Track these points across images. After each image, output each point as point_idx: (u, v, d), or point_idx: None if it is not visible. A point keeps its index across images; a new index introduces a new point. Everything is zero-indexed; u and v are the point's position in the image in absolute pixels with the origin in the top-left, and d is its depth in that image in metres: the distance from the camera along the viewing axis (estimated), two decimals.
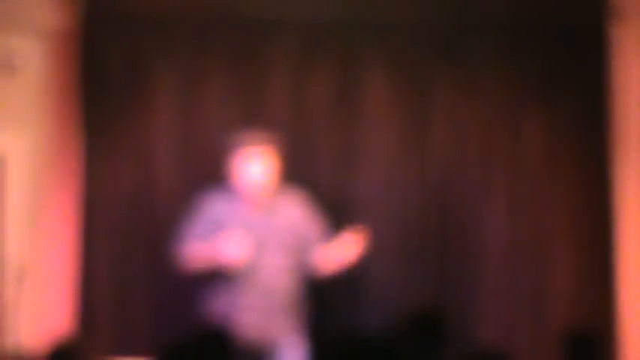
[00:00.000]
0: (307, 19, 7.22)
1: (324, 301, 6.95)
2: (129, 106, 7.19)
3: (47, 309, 7.02)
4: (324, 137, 7.25)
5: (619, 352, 7.13)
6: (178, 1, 7.16)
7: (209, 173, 7.00)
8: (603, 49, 7.30)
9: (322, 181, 7.15)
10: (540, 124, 7.33)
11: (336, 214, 7.00)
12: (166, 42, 7.18)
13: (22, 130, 7.19)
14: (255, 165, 6.39)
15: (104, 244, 7.13)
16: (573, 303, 7.22)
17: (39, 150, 7.15)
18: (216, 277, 6.40)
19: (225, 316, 6.25)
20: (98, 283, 7.10)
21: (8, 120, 7.19)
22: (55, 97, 7.17)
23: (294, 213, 6.46)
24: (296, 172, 6.96)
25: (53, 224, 7.12)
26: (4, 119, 7.19)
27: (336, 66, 7.24)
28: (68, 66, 7.12)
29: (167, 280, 6.98)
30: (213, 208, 6.42)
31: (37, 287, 7.00)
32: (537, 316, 7.21)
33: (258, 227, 6.33)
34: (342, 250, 6.39)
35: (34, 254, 7.08)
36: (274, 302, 6.34)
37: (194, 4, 7.16)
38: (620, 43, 7.30)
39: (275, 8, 7.19)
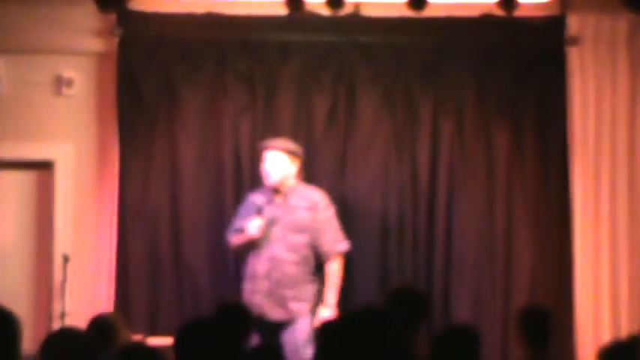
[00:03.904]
0: (309, 43, 7.73)
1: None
2: (158, 118, 7.66)
3: (89, 292, 7.57)
4: (325, 142, 7.72)
5: (573, 326, 7.62)
6: (202, 29, 7.64)
7: (227, 176, 7.62)
8: (562, 69, 7.71)
9: (322, 180, 7.59)
10: (508, 132, 7.72)
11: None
12: (191, 64, 7.68)
13: (69, 140, 7.75)
14: (265, 163, 7.12)
15: (137, 237, 7.60)
16: (536, 283, 7.64)
17: (83, 156, 7.73)
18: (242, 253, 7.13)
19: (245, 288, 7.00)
20: (132, 270, 7.58)
21: (57, 131, 7.75)
22: (96, 112, 7.74)
23: (301, 202, 7.08)
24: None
25: (94, 220, 7.69)
26: (54, 131, 7.75)
27: (335, 82, 7.73)
28: (107, 85, 7.65)
29: (191, 267, 7.56)
30: (249, 202, 7.16)
31: (81, 274, 7.56)
32: (505, 292, 7.63)
33: (275, 211, 7.01)
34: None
35: (78, 245, 7.65)
36: (284, 273, 6.96)
37: (215, 31, 7.66)
38: (577, 64, 7.75)
39: (282, 34, 7.70)
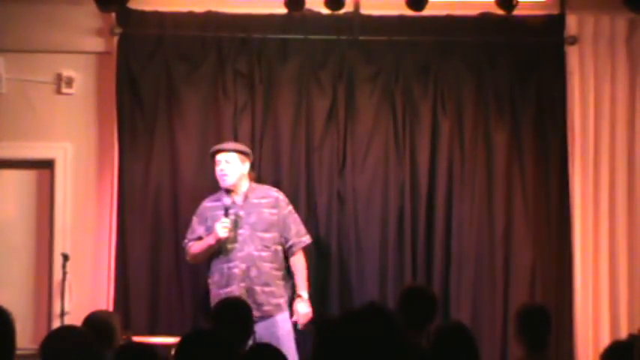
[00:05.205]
0: (309, 42, 7.72)
1: (324, 282, 7.58)
2: (158, 117, 7.66)
3: (88, 291, 7.62)
4: (324, 141, 7.72)
5: (573, 325, 7.63)
6: (202, 27, 7.68)
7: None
8: (561, 68, 7.74)
9: (321, 178, 7.67)
10: (508, 130, 7.74)
11: (334, 209, 7.65)
12: (191, 62, 7.69)
13: (68, 138, 7.78)
14: (220, 165, 7.09)
15: (137, 236, 7.61)
16: (535, 282, 7.66)
17: (82, 155, 7.76)
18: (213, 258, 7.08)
19: (219, 287, 7.00)
20: (132, 268, 7.59)
21: (57, 130, 7.79)
22: (96, 111, 7.78)
23: (262, 200, 7.10)
24: (299, 171, 7.64)
25: (94, 219, 7.73)
26: (54, 130, 7.79)
27: (334, 81, 7.73)
28: (107, 84, 7.68)
29: (190, 266, 7.45)
30: (203, 209, 7.17)
31: (80, 272, 7.61)
32: (504, 292, 7.64)
33: (238, 212, 7.02)
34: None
35: (78, 244, 7.69)
36: (260, 271, 6.99)
37: (215, 30, 7.68)
38: (576, 63, 7.78)
39: (282, 33, 7.72)
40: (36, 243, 7.87)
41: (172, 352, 4.06)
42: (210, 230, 7.11)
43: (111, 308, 7.39)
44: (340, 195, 7.72)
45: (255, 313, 6.82)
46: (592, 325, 7.74)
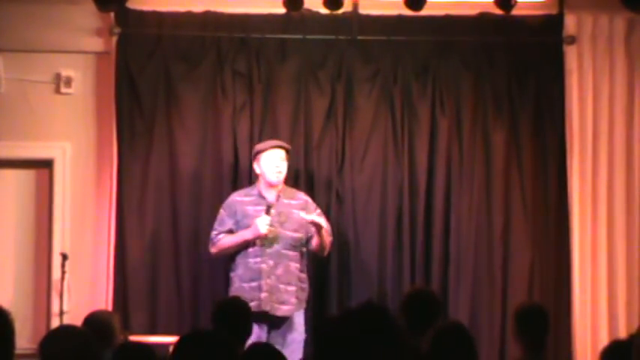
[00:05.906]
0: (307, 42, 7.74)
1: (322, 282, 7.61)
2: (157, 116, 7.67)
3: (87, 290, 7.63)
4: (323, 140, 7.74)
5: (571, 325, 7.65)
6: (200, 27, 7.70)
7: (225, 174, 7.62)
8: (560, 67, 7.76)
9: (320, 178, 7.71)
10: (506, 130, 7.76)
11: (332, 208, 7.65)
12: (190, 62, 7.71)
13: (67, 138, 7.80)
14: (278, 161, 7.11)
15: (136, 235, 7.61)
16: (533, 282, 7.68)
17: (81, 155, 7.78)
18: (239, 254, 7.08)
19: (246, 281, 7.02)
20: (130, 268, 7.59)
21: (56, 130, 7.81)
22: (94, 110, 7.80)
23: (292, 201, 7.16)
24: (298, 170, 7.64)
25: (93, 218, 7.74)
26: (53, 129, 7.81)
27: (333, 80, 7.75)
28: (106, 84, 7.69)
29: (189, 266, 7.58)
30: (232, 203, 7.17)
31: (79, 272, 7.62)
32: (503, 291, 7.66)
33: (275, 206, 7.07)
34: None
35: (77, 243, 7.70)
36: (288, 269, 7.04)
37: (213, 29, 7.71)
38: (575, 62, 7.80)
39: (280, 33, 7.74)
40: (35, 242, 7.89)
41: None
42: (239, 224, 7.13)
43: (109, 307, 7.39)
44: (339, 194, 7.74)
45: (276, 312, 7.02)
46: (590, 324, 7.75)
